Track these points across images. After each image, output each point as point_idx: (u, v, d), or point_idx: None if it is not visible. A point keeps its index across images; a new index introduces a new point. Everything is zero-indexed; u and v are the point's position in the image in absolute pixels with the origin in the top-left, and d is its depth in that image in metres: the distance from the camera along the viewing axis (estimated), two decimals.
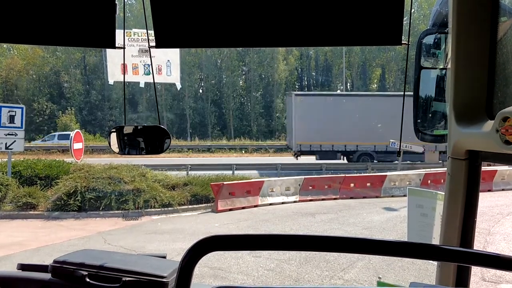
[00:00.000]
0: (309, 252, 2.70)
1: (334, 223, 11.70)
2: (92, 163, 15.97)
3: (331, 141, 24.69)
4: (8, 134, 14.31)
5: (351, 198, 15.33)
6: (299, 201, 14.84)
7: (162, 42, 1.92)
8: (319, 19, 1.80)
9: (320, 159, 24.21)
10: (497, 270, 1.06)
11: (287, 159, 26.47)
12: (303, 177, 15.68)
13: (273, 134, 47.98)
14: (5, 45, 45.01)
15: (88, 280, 2.26)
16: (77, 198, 13.21)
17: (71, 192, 13.36)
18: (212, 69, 52.03)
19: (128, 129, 2.34)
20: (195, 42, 1.99)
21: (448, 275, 1.67)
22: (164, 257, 2.64)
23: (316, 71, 56.14)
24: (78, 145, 15.91)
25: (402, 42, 1.87)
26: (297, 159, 25.28)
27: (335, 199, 15.17)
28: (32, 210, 13.22)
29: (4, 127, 14.21)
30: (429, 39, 1.88)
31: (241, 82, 54.14)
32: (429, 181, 16.07)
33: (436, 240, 4.89)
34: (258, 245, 1.04)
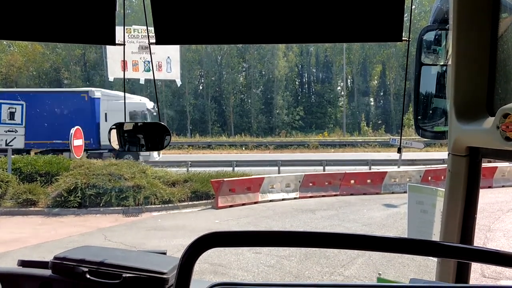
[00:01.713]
0: (309, 248, 2.70)
1: (334, 219, 11.71)
2: (92, 159, 15.99)
3: None
4: (8, 131, 14.32)
5: (352, 194, 15.34)
6: (300, 197, 14.85)
7: (162, 38, 1.92)
8: (320, 15, 1.79)
9: None
10: (497, 267, 1.06)
11: (288, 155, 26.45)
12: (303, 173, 15.69)
13: (273, 131, 47.95)
14: (5, 42, 44.93)
15: (88, 276, 2.27)
16: (77, 195, 13.21)
17: (71, 188, 13.36)
18: (212, 66, 51.96)
19: (128, 126, 2.35)
20: (195, 38, 1.99)
21: (448, 272, 1.68)
22: (165, 254, 2.64)
23: (316, 67, 56.05)
24: (78, 142, 15.92)
25: (403, 38, 1.87)
26: None
27: (335, 195, 15.18)
28: (33, 206, 13.23)
29: (4, 123, 14.21)
30: (430, 36, 1.88)
31: (241, 79, 54.08)
32: (429, 178, 16.08)
33: (436, 237, 4.90)
34: (258, 241, 1.04)
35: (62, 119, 23.18)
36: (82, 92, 25.11)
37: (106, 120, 23.93)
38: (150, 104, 25.31)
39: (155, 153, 24.10)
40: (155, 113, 25.76)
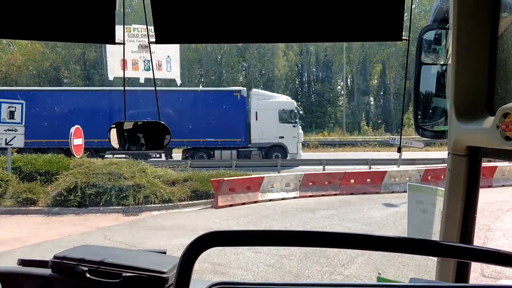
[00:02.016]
0: (309, 248, 2.71)
1: (334, 219, 11.71)
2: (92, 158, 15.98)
3: None
4: (8, 130, 14.30)
5: (351, 194, 15.34)
6: (299, 197, 14.85)
7: (162, 37, 1.92)
8: (320, 14, 1.79)
9: None
10: (497, 266, 1.06)
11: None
12: (303, 173, 15.69)
13: None
14: (5, 41, 44.90)
15: (88, 275, 2.26)
16: (77, 194, 13.21)
17: (71, 187, 13.36)
18: (212, 65, 51.93)
19: (128, 125, 2.35)
20: (195, 37, 1.99)
21: (448, 271, 1.68)
22: (164, 253, 2.64)
23: (316, 67, 56.03)
24: (78, 141, 15.91)
25: (403, 38, 1.87)
26: None
27: (335, 195, 15.18)
28: (32, 205, 13.24)
29: (4, 122, 14.20)
30: (430, 35, 1.88)
31: (241, 78, 54.04)
32: (429, 177, 16.08)
33: (436, 236, 4.90)
34: (258, 240, 1.04)
35: (214, 118, 23.86)
36: (235, 91, 25.85)
37: (256, 119, 24.47)
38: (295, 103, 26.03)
39: (300, 151, 25.14)
40: (301, 111, 25.99)
